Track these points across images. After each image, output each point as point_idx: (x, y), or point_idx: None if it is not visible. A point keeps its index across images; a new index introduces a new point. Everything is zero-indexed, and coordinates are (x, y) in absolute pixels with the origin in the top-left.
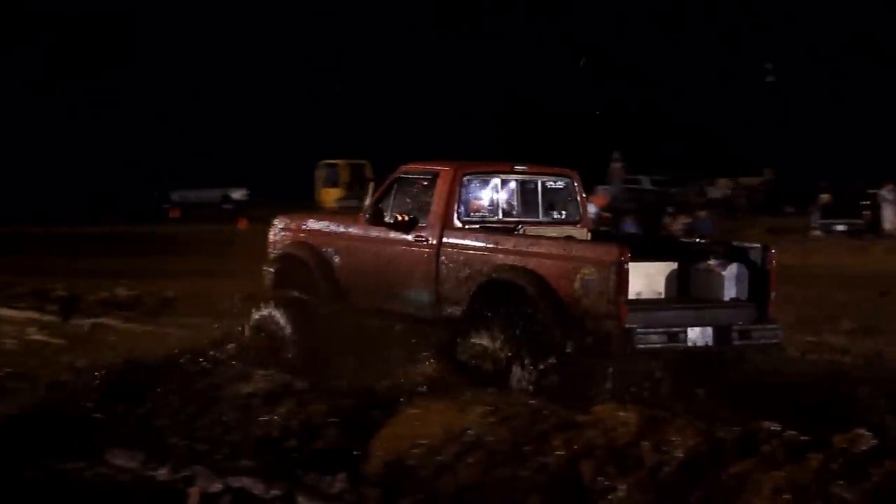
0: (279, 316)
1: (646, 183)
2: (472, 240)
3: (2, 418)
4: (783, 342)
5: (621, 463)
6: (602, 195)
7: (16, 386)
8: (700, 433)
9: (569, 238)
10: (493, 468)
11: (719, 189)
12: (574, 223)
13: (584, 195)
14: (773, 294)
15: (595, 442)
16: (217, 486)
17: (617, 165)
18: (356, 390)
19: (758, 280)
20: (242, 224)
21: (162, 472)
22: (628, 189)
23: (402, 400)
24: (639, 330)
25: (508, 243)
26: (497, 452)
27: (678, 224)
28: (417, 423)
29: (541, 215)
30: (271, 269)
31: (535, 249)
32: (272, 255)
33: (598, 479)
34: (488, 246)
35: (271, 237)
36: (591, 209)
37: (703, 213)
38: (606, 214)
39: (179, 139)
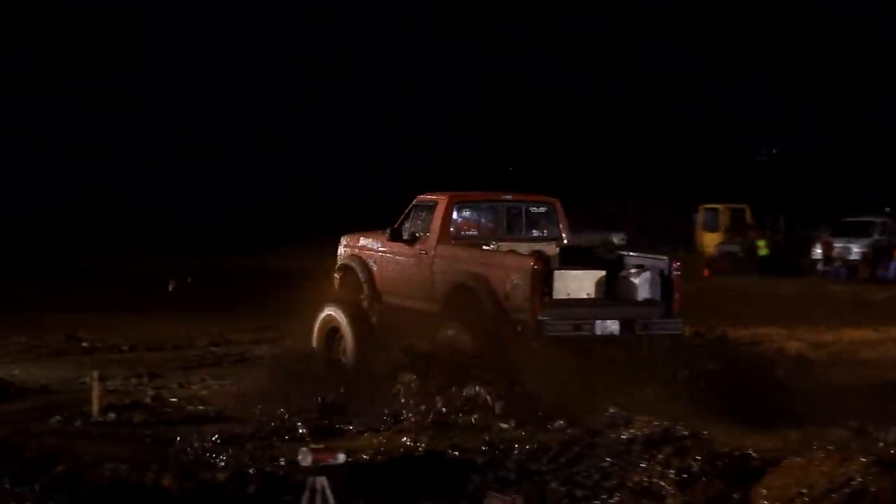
0: (338, 313)
1: None
2: (452, 253)
3: (378, 456)
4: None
5: None
6: None
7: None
8: None
9: (509, 252)
10: None
11: None
12: (553, 240)
13: (565, 218)
14: (677, 295)
15: None
16: None
17: None
18: (733, 438)
19: (665, 285)
20: None
21: None
22: None
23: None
24: (549, 321)
25: (472, 256)
26: (881, 502)
27: None
28: (799, 473)
29: (524, 234)
30: (337, 276)
31: (487, 261)
32: (338, 265)
33: None
34: (461, 258)
35: (339, 252)
36: None
37: None
38: None
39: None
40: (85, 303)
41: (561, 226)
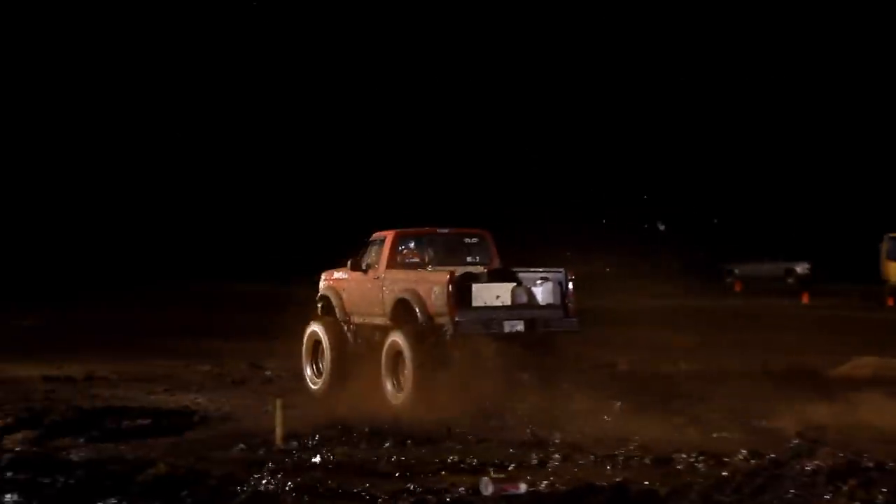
0: (319, 329)
1: None
2: (395, 276)
3: (557, 486)
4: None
5: None
6: None
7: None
8: None
9: (433, 271)
10: None
11: None
12: (484, 264)
13: (495, 246)
14: (571, 300)
15: None
16: None
17: None
18: None
19: (563, 292)
20: (804, 298)
21: None
22: None
23: None
24: (464, 321)
25: (409, 276)
26: None
27: None
28: None
29: (460, 260)
30: (319, 304)
31: (418, 279)
32: (318, 295)
33: None
34: (401, 278)
35: (320, 285)
36: None
37: None
38: None
39: (742, 212)
40: (254, 330)
41: (491, 252)
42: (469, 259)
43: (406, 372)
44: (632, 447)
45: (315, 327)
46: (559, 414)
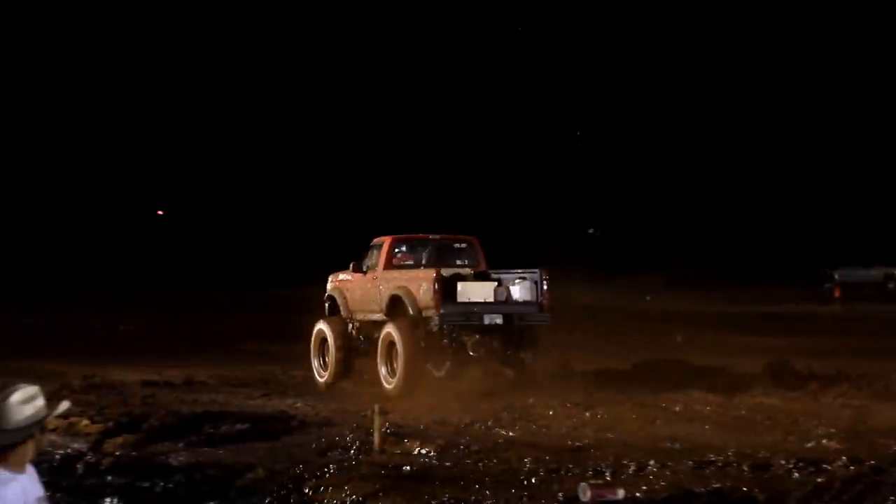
0: (325, 327)
1: None
2: (390, 276)
3: (654, 493)
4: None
5: None
6: None
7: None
8: None
9: (421, 270)
10: None
11: None
12: (472, 267)
13: (482, 251)
14: (545, 297)
15: None
16: None
17: None
18: None
19: (538, 289)
20: None
21: None
22: None
23: None
24: (447, 314)
25: (401, 276)
26: None
27: None
28: None
29: (450, 263)
30: (326, 304)
31: (409, 277)
32: (326, 296)
33: None
34: (395, 278)
35: (327, 286)
36: None
37: None
38: None
39: (841, 216)
40: None
41: (479, 256)
42: (458, 262)
43: (398, 359)
44: (730, 453)
45: (322, 325)
46: (657, 417)
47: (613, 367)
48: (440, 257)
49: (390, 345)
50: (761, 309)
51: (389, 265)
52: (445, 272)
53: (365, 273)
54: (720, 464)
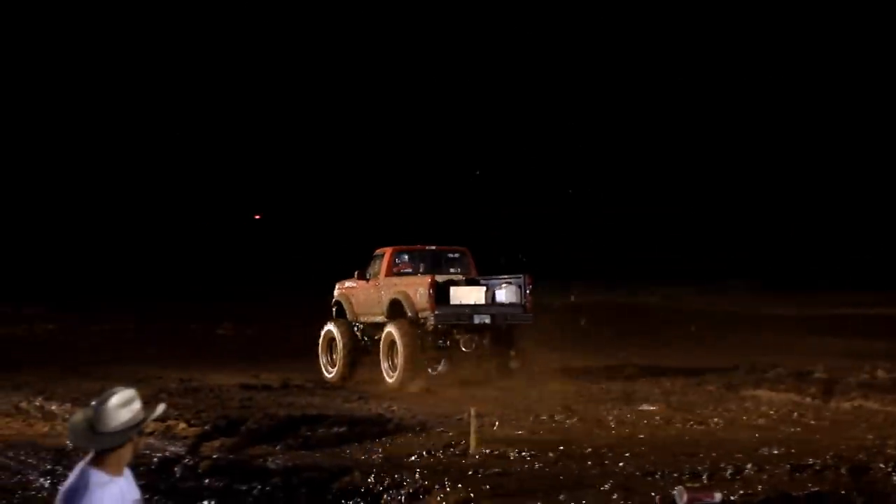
0: (333, 328)
1: None
2: (391, 281)
3: (751, 495)
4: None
5: None
6: None
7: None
8: None
9: (419, 276)
10: None
11: None
12: (464, 274)
13: (473, 260)
14: (528, 300)
15: None
16: None
17: None
18: None
19: (523, 292)
20: None
21: None
22: None
23: None
24: (441, 314)
25: (401, 281)
26: None
27: None
28: None
29: (444, 271)
30: (333, 308)
31: (407, 283)
32: (333, 301)
33: None
34: (395, 283)
35: (334, 292)
36: None
37: None
38: None
39: None
40: None
41: (470, 264)
42: (452, 270)
43: (398, 356)
44: (827, 457)
45: (330, 326)
46: (753, 419)
47: (711, 367)
48: (435, 266)
49: (391, 343)
50: (857, 311)
51: (390, 273)
52: (440, 278)
53: (368, 280)
54: (818, 467)
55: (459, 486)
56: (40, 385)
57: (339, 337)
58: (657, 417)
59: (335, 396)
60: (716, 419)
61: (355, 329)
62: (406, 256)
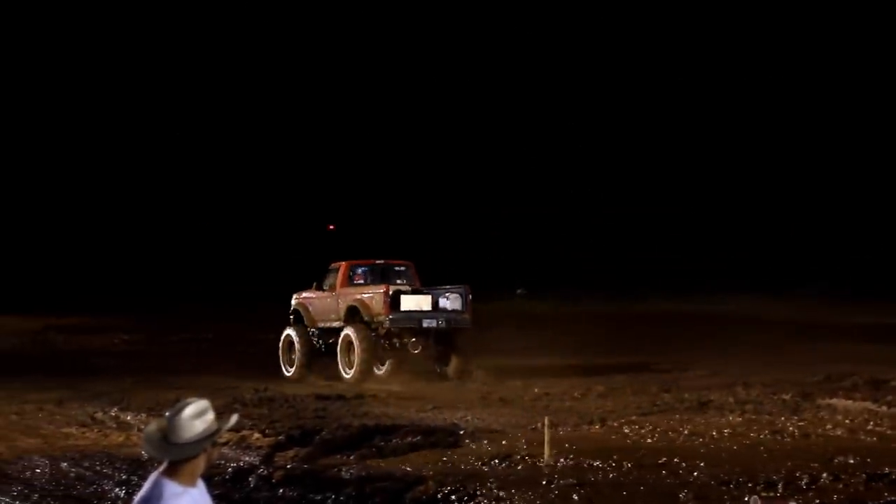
0: (292, 332)
1: None
2: (347, 291)
3: None
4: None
5: None
6: None
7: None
8: None
9: (374, 285)
10: None
11: None
12: (409, 285)
13: (416, 272)
14: (469, 306)
15: None
16: None
17: None
18: None
19: (464, 299)
20: None
21: None
22: None
23: None
24: (393, 319)
25: (356, 290)
26: None
27: None
28: None
29: (392, 282)
30: (291, 316)
31: (363, 292)
32: (291, 310)
33: None
34: (351, 292)
35: (292, 302)
36: None
37: None
38: None
39: None
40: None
41: (413, 276)
42: (398, 281)
43: (355, 355)
44: None
45: (289, 331)
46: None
47: (786, 375)
48: (385, 277)
49: (349, 344)
50: None
51: (346, 284)
52: (391, 288)
53: (325, 290)
54: (894, 476)
55: (534, 495)
56: (116, 395)
57: (297, 340)
58: (731, 426)
59: (409, 406)
60: (791, 428)
61: (311, 334)
62: (359, 269)
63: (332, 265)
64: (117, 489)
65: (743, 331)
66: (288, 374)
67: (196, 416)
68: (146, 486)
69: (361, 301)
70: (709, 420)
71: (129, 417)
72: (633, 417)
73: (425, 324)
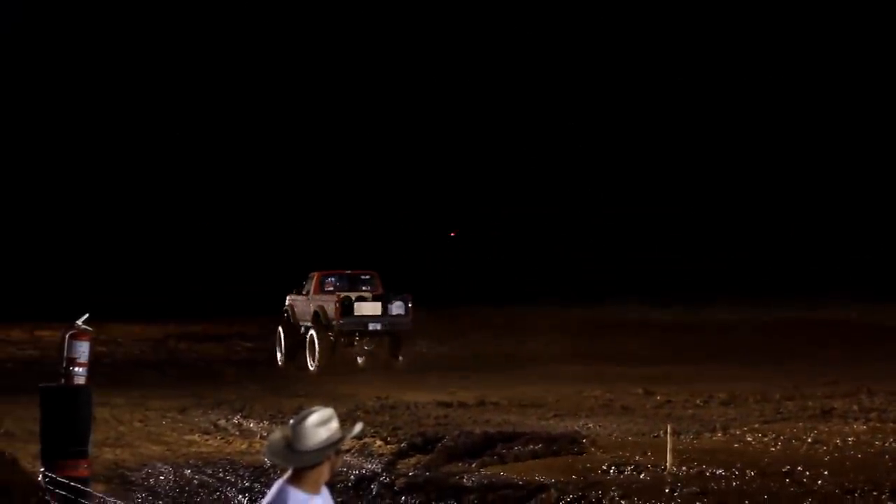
0: (280, 330)
1: None
2: (318, 297)
3: None
4: (411, 329)
5: None
6: None
7: None
8: None
9: (333, 294)
10: None
11: None
12: (372, 292)
13: (380, 280)
14: (410, 312)
15: None
16: None
17: None
18: None
19: (406, 306)
20: None
21: None
22: None
23: None
24: (344, 323)
25: (322, 297)
26: None
27: None
28: None
29: (359, 289)
30: (284, 315)
31: (324, 299)
32: (284, 309)
33: None
34: (319, 298)
35: (285, 303)
36: None
37: None
38: None
39: None
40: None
41: (378, 284)
42: (364, 288)
43: (316, 352)
44: None
45: (280, 328)
46: None
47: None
48: (351, 285)
49: (312, 342)
50: None
51: (318, 290)
52: (353, 295)
53: (304, 295)
54: None
55: (655, 502)
56: (239, 403)
57: (283, 336)
58: (856, 434)
59: (530, 414)
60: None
61: (299, 331)
62: (330, 278)
63: (310, 274)
64: (240, 496)
65: (868, 339)
66: (280, 363)
67: (320, 424)
68: (271, 493)
69: (322, 306)
70: (832, 428)
71: (251, 425)
72: (756, 425)
73: (371, 327)
